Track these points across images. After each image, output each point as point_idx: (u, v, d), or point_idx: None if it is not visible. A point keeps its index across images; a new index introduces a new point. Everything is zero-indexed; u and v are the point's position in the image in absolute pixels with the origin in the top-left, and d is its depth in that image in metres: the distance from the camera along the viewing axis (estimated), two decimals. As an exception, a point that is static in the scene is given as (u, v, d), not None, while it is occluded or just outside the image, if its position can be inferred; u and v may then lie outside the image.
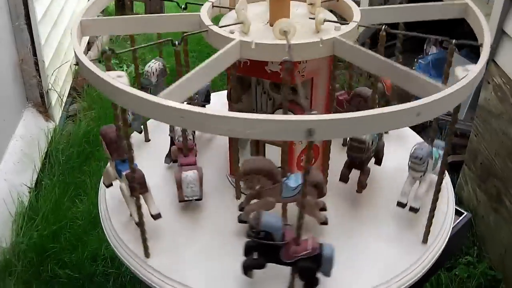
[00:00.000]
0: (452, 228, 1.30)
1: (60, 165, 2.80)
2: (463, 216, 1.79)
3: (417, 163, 1.24)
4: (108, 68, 0.97)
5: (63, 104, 3.22)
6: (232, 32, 1.10)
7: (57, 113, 3.12)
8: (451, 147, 2.85)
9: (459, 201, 2.56)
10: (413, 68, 3.30)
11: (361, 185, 1.32)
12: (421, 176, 1.27)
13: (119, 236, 1.25)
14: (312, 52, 1.07)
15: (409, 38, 1.20)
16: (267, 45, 1.04)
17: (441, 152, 1.29)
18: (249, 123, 0.79)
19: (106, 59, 0.99)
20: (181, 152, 1.31)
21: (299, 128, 0.77)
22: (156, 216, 1.23)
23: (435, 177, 1.27)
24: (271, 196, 1.16)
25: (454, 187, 2.60)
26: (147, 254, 1.19)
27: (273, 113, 1.18)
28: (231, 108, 1.22)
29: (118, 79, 0.88)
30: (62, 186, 2.63)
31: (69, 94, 3.37)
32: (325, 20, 1.13)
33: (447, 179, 1.40)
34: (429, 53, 3.39)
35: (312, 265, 1.05)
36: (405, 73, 0.95)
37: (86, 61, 0.95)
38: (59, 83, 3.14)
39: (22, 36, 2.72)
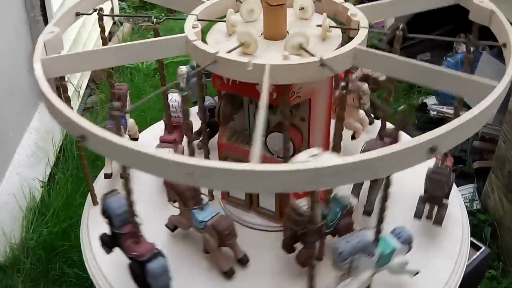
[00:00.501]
0: (467, 266, 1.16)
1: (74, 159, 2.75)
2: (480, 251, 1.63)
3: (335, 260, 0.95)
4: (101, 28, 1.22)
5: (81, 97, 3.18)
6: (195, 27, 1.03)
7: (74, 105, 3.07)
8: (478, 151, 2.70)
9: (484, 209, 2.45)
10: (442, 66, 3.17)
11: (300, 261, 1.07)
12: (343, 274, 0.97)
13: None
14: (238, 72, 0.94)
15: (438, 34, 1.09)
16: (199, 48, 0.96)
17: (399, 246, 1.01)
18: (72, 125, 0.76)
19: (99, 19, 1.18)
20: (166, 128, 1.32)
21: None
22: (106, 176, 1.37)
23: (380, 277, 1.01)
24: (185, 218, 1.12)
25: (479, 194, 2.50)
26: (94, 202, 1.31)
27: (267, 135, 1.09)
28: (222, 128, 1.14)
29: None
30: (75, 181, 2.58)
31: (88, 86, 3.33)
32: (300, 47, 0.95)
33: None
34: (459, 52, 3.24)
35: (136, 271, 0.98)
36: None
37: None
38: (76, 75, 3.10)
39: (38, 27, 2.66)
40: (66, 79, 2.93)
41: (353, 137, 1.41)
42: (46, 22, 2.69)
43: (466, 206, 2.43)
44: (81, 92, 3.19)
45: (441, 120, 2.76)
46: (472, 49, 1.05)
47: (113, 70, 1.40)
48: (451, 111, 2.84)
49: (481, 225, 2.35)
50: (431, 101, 3.17)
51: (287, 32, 1.05)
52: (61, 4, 2.84)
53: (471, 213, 2.40)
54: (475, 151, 2.60)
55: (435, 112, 2.83)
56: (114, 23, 4.03)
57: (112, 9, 3.96)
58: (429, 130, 0.70)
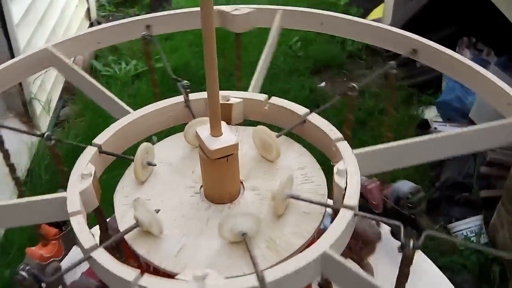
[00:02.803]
0: None
1: (42, 185, 2.52)
2: None
3: None
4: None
5: (52, 110, 2.91)
6: (85, 175, 0.74)
7: (44, 121, 2.82)
8: (486, 178, 2.43)
9: (492, 245, 2.22)
10: (442, 76, 2.93)
11: None
12: None
13: None
14: None
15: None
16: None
17: None
18: None
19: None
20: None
21: None
22: None
23: None
24: None
25: (487, 226, 2.27)
26: None
27: None
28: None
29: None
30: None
31: (60, 97, 3.07)
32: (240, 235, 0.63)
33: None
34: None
35: None
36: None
37: None
38: (46, 87, 2.84)
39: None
40: (33, 95, 2.68)
41: None
42: (6, 34, 2.43)
43: (472, 241, 2.21)
44: (53, 105, 2.93)
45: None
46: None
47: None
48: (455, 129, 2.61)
49: (489, 264, 2.13)
50: (431, 113, 2.93)
51: (241, 183, 0.71)
52: (24, 15, 2.57)
53: (478, 250, 2.18)
54: (482, 177, 2.36)
55: (437, 130, 2.59)
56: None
57: (88, 10, 3.71)
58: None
